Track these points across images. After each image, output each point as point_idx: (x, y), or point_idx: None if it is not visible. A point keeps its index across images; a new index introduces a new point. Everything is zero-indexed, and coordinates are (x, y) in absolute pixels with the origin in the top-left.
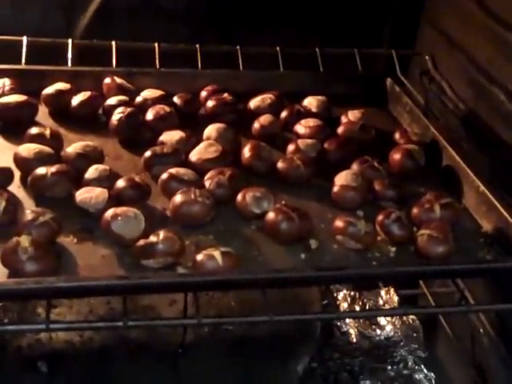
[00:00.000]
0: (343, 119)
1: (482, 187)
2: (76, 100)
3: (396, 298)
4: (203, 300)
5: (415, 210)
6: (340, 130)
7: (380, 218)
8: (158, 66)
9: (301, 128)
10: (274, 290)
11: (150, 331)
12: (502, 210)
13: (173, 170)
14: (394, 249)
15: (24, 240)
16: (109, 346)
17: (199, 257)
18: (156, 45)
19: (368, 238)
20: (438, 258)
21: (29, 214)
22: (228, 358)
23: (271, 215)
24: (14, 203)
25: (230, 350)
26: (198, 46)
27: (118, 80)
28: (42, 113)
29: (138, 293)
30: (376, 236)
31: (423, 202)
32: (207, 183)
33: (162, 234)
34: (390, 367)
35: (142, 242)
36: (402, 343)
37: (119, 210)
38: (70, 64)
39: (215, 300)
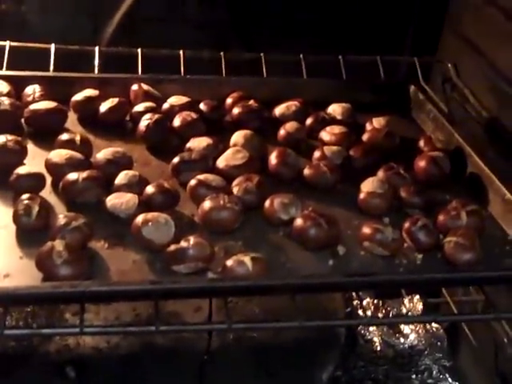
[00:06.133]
0: (368, 126)
1: (508, 195)
2: (104, 106)
3: (420, 307)
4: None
5: (441, 217)
6: (365, 137)
7: (406, 225)
8: (182, 74)
9: (326, 135)
10: (299, 299)
11: (176, 338)
12: None
13: (201, 177)
14: (420, 256)
15: (58, 244)
16: (135, 352)
17: (229, 262)
18: (181, 52)
19: (395, 244)
20: (464, 265)
21: (61, 219)
22: (253, 366)
23: (299, 221)
24: (46, 208)
25: (255, 358)
26: (222, 53)
27: (145, 87)
28: (71, 119)
29: (170, 298)
30: (403, 243)
31: (449, 210)
32: (235, 189)
33: (192, 239)
34: (414, 376)
35: (172, 248)
36: (426, 352)
37: (150, 215)
38: (96, 71)
39: (239, 307)
